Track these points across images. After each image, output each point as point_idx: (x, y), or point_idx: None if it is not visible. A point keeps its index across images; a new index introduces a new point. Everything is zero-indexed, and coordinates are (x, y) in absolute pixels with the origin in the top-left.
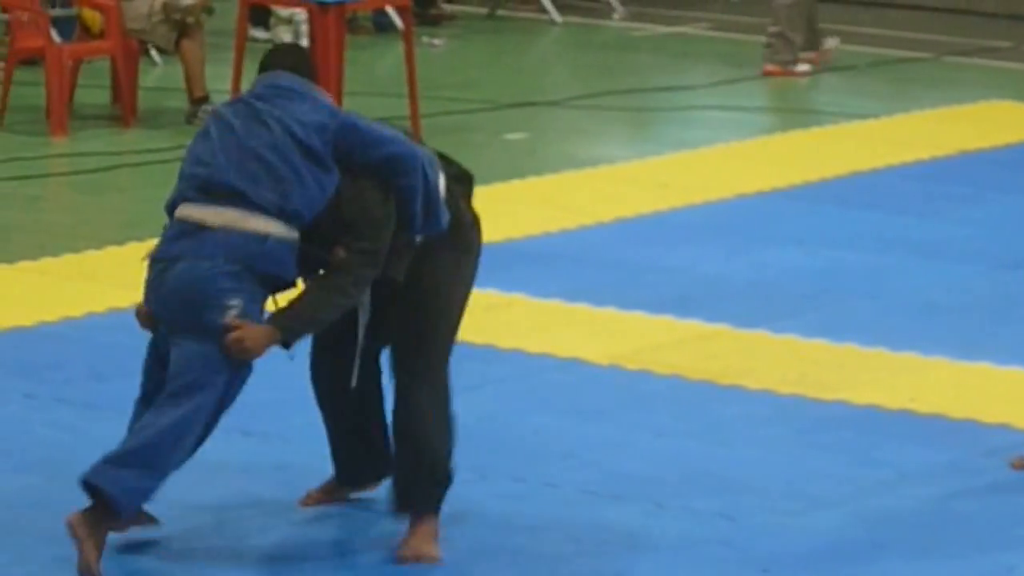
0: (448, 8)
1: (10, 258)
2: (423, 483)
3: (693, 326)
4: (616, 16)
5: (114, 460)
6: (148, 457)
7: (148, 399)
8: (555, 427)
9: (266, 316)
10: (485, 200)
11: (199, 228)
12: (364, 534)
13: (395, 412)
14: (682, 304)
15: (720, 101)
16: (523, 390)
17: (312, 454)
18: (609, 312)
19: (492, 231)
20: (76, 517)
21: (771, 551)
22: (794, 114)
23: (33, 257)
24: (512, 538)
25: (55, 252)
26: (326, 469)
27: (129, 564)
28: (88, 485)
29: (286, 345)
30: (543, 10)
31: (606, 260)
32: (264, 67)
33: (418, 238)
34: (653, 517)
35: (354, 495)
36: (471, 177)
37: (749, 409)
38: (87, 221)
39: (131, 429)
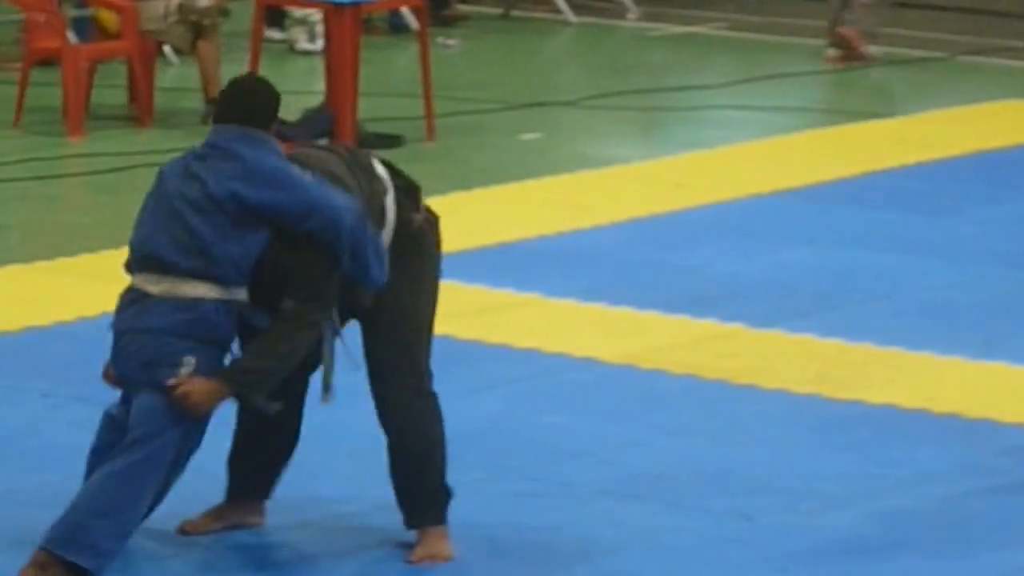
0: (462, 9)
1: (26, 258)
2: (430, 497)
3: (709, 326)
4: (630, 16)
5: (75, 522)
6: (108, 505)
7: (96, 454)
8: (570, 427)
9: None
10: (499, 200)
11: (144, 296)
12: (375, 534)
13: (394, 429)
14: (697, 304)
15: (735, 101)
16: (538, 390)
17: (323, 454)
18: (624, 312)
19: (506, 231)
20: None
21: (788, 550)
22: (809, 114)
23: (49, 257)
24: (527, 537)
25: (71, 252)
26: (338, 468)
27: (133, 561)
28: (57, 557)
29: (244, 398)
30: (557, 10)
31: (621, 260)
32: (218, 114)
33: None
34: (669, 516)
35: (240, 523)
36: (418, 188)
37: (765, 408)
38: (104, 221)
39: (86, 479)
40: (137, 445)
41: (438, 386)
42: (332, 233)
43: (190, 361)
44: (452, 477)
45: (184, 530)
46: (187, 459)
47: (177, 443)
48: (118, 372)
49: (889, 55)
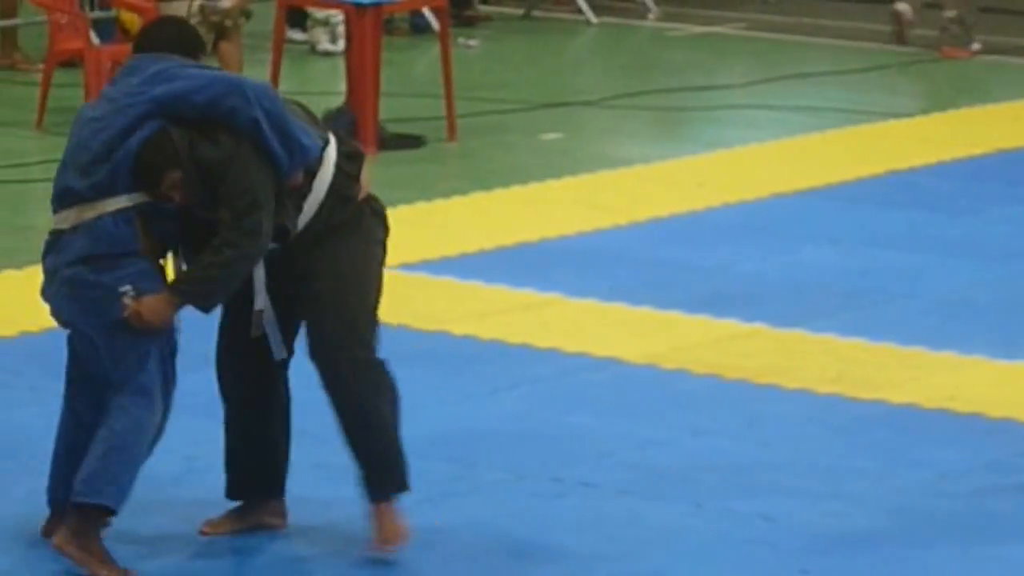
0: (484, 9)
1: None
2: (392, 466)
3: (730, 325)
4: (651, 16)
5: (93, 471)
6: (117, 443)
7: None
8: (592, 426)
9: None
10: (520, 200)
11: (58, 236)
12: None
13: (344, 401)
14: (719, 303)
15: (756, 101)
16: (560, 389)
17: (347, 454)
18: (645, 311)
19: (527, 231)
20: (64, 539)
21: (809, 550)
22: (830, 113)
23: None
24: (549, 538)
25: None
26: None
27: (162, 560)
28: (87, 506)
29: (203, 309)
30: (578, 11)
31: (642, 260)
32: (135, 45)
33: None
34: (691, 517)
35: (260, 523)
36: (362, 155)
37: (787, 408)
38: None
39: (65, 423)
40: (122, 386)
41: (460, 385)
42: (233, 98)
43: (127, 288)
44: (474, 477)
45: (204, 531)
46: (173, 385)
47: (157, 370)
48: (63, 321)
49: (909, 54)
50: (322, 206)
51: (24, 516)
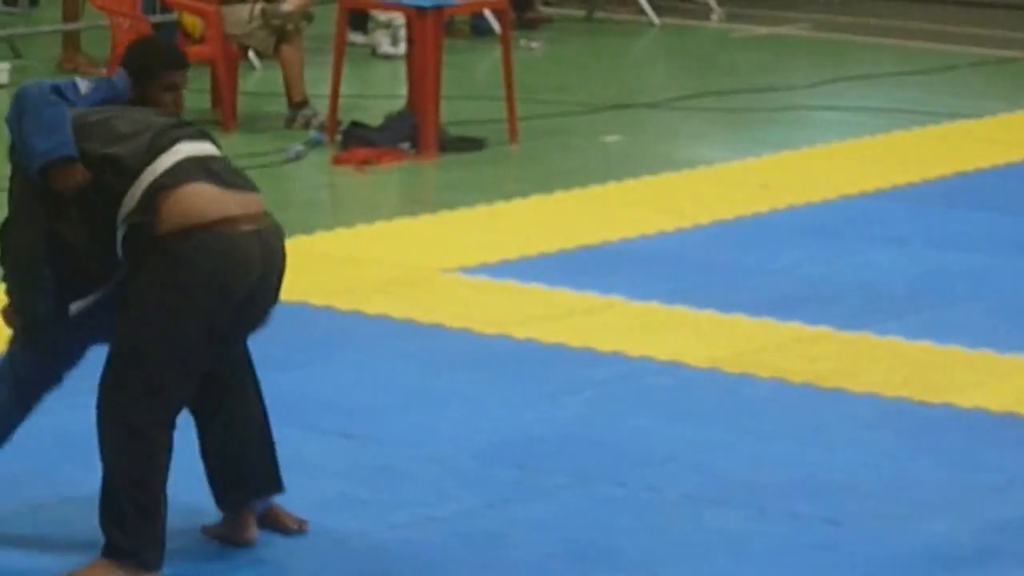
0: (545, 11)
1: None
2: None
3: (795, 328)
4: (714, 17)
5: None
6: None
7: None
8: (655, 430)
9: None
10: (582, 203)
11: None
12: (460, 535)
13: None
14: (783, 306)
15: (820, 102)
16: (622, 393)
17: (412, 458)
18: (709, 314)
19: (589, 234)
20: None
21: (876, 557)
22: (896, 114)
23: None
24: (612, 542)
25: None
26: (426, 474)
27: (226, 563)
28: None
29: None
30: (641, 12)
31: (705, 262)
32: None
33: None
34: (755, 522)
35: (228, 537)
36: (209, 135)
37: (853, 412)
38: None
39: None
40: None
41: (522, 389)
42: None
43: None
44: (537, 481)
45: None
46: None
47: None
48: None
49: (976, 56)
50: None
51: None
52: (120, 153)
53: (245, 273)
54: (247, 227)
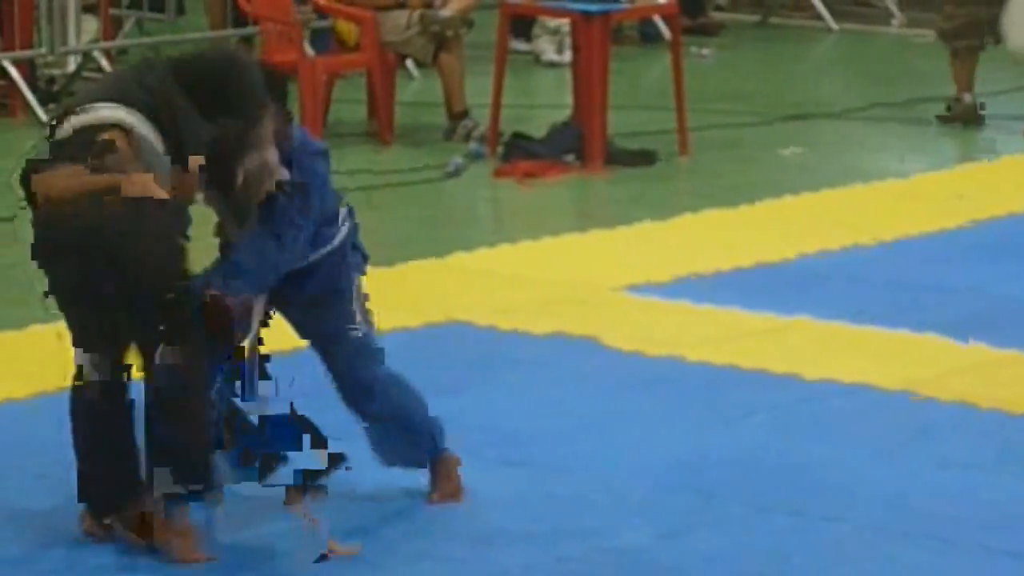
0: (718, 16)
1: None
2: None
3: (982, 351)
4: (895, 22)
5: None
6: None
7: None
8: (834, 457)
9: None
10: (757, 218)
11: None
12: (632, 570)
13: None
14: (971, 327)
15: (1010, 110)
16: (800, 417)
17: (581, 486)
18: (890, 335)
19: (764, 251)
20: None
21: None
22: None
23: None
24: (789, 574)
25: None
26: (597, 502)
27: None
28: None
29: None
30: (818, 16)
31: (888, 280)
32: None
33: None
34: (941, 554)
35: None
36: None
37: None
38: None
39: None
40: None
41: (696, 414)
42: None
43: None
44: (712, 511)
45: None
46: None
47: None
48: None
49: None
50: None
51: None
52: None
53: None
54: None
